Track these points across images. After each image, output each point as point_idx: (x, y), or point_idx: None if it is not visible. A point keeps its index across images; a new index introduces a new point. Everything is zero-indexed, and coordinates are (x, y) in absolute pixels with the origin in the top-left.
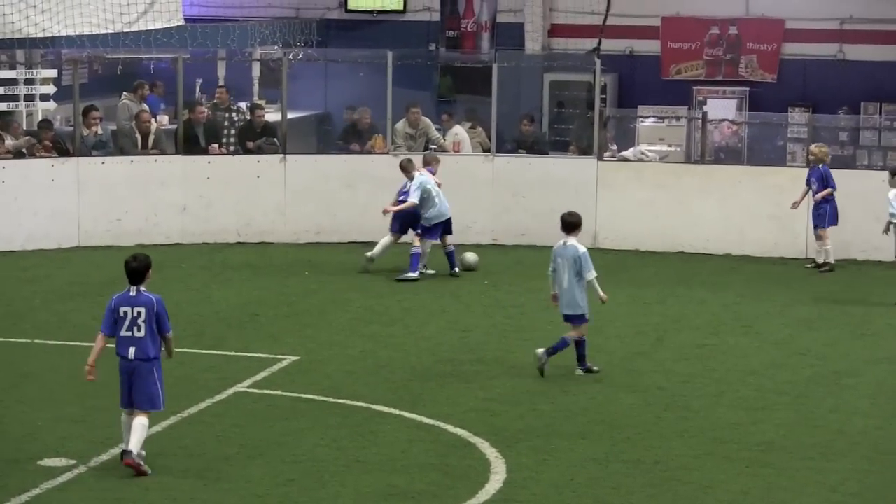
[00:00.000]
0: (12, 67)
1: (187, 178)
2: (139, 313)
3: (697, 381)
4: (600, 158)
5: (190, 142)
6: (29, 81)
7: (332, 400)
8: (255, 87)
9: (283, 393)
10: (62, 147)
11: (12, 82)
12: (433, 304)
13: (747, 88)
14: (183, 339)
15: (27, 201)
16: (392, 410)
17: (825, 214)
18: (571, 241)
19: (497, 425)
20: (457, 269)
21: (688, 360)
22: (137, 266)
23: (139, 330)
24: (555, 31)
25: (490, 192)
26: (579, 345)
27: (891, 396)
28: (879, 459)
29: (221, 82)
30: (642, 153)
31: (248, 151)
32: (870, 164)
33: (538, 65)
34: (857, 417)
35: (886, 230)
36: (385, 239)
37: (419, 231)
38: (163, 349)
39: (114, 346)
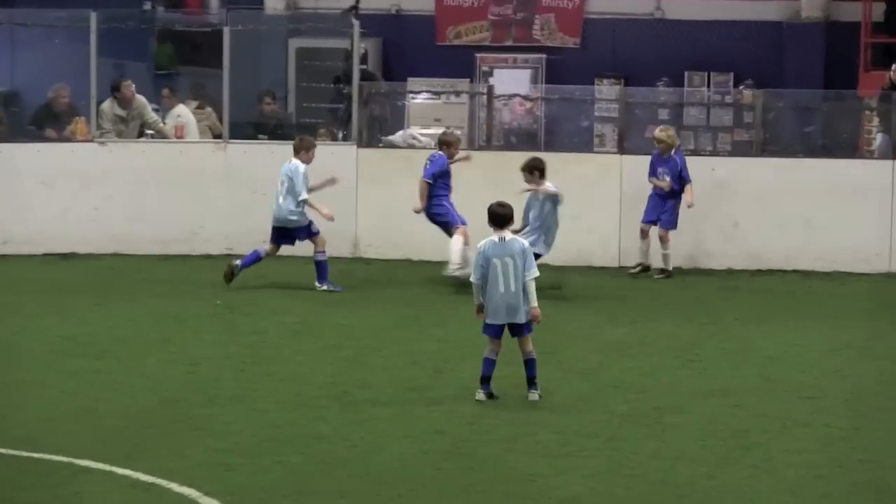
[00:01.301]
0: None
1: None
2: None
3: (485, 421)
4: (361, 145)
5: None
6: None
7: (25, 454)
8: None
9: None
10: None
11: None
12: (152, 331)
13: (543, 55)
14: None
15: None
16: (100, 465)
17: (675, 214)
18: (508, 234)
19: (234, 482)
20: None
21: (471, 395)
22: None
23: None
24: None
25: (223, 189)
26: (532, 364)
27: (724, 438)
28: None
29: None
30: (413, 138)
31: None
32: (696, 149)
33: (281, 28)
34: (682, 464)
35: None
36: (454, 242)
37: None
38: None
39: None
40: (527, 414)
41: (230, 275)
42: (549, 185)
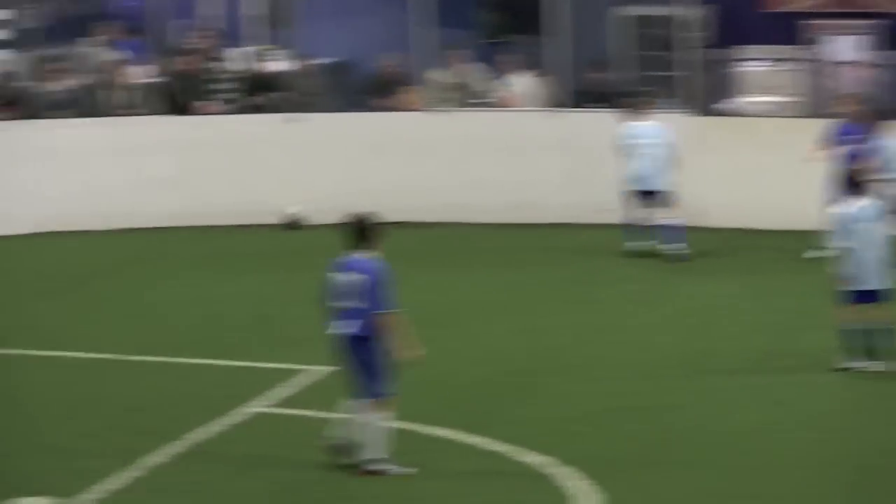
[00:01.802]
0: None
1: (174, 145)
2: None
3: (839, 393)
4: (698, 113)
5: (174, 99)
6: None
7: None
8: (250, 30)
9: (313, 413)
10: (18, 105)
11: None
12: (493, 300)
13: (875, 21)
14: (179, 347)
15: None
16: (448, 433)
17: None
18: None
19: (581, 451)
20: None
21: (819, 365)
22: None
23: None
24: None
25: (556, 158)
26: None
27: None
28: None
29: (204, 22)
30: (749, 105)
31: (246, 110)
32: None
33: None
34: None
35: None
36: None
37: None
38: None
39: None
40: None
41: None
42: None
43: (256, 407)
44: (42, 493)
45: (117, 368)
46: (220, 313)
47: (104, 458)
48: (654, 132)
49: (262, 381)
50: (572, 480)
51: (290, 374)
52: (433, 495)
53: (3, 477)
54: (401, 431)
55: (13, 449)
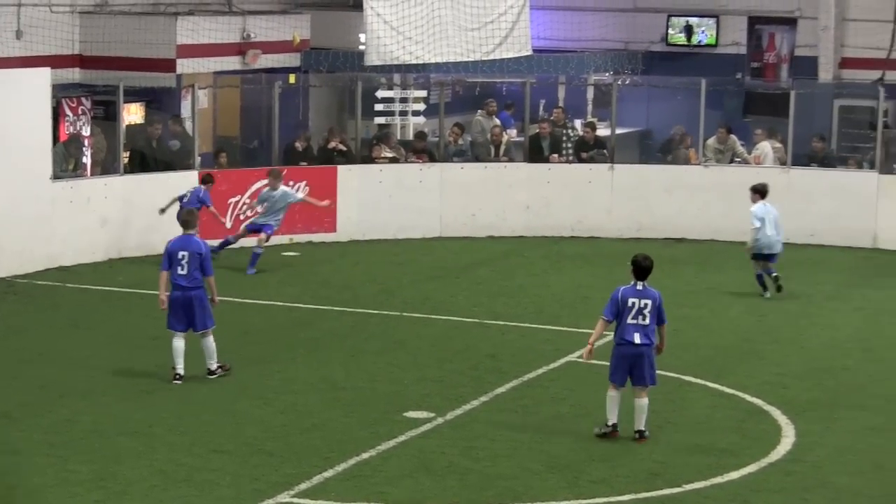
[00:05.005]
0: (390, 88)
1: (531, 182)
2: (646, 304)
3: None
4: (882, 172)
5: (534, 152)
6: (403, 100)
7: None
8: (589, 108)
9: (608, 363)
10: (430, 154)
11: (390, 101)
12: (732, 290)
13: None
14: (524, 316)
15: (399, 199)
16: (698, 381)
17: None
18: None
19: (787, 396)
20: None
21: None
22: (648, 265)
23: (644, 319)
24: (845, 63)
25: (785, 200)
26: None
27: None
28: None
29: (560, 103)
30: None
31: (581, 161)
32: None
33: (829, 92)
34: None
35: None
36: None
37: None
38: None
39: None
40: None
41: None
42: None
43: (570, 357)
44: (424, 409)
45: (480, 328)
46: (554, 293)
47: (467, 388)
48: None
49: (577, 341)
50: (780, 415)
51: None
52: (689, 420)
53: (396, 397)
54: (666, 378)
55: (404, 377)
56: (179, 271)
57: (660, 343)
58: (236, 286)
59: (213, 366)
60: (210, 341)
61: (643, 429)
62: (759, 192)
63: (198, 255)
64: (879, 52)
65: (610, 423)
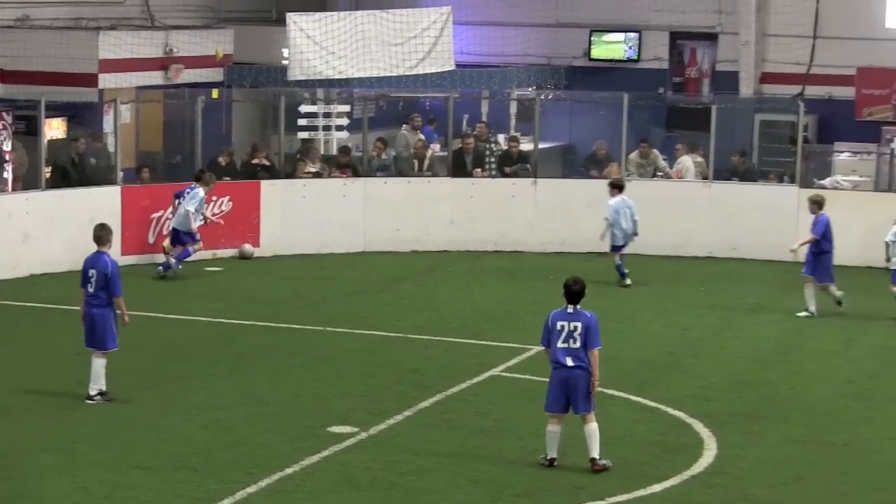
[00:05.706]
0: (313, 103)
1: (455, 197)
2: (575, 328)
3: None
4: (802, 186)
5: (458, 166)
6: (326, 115)
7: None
8: (512, 122)
9: (531, 377)
10: (354, 169)
11: (313, 116)
12: (655, 305)
13: None
14: (448, 330)
15: (323, 214)
16: (620, 393)
17: None
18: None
19: (709, 409)
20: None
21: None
22: (578, 289)
23: (575, 342)
24: (765, 78)
25: (706, 214)
26: None
27: None
28: None
29: (484, 118)
30: (837, 182)
31: (505, 175)
32: None
33: (750, 106)
34: None
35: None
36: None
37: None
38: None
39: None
40: None
41: None
42: None
43: (494, 371)
44: (347, 424)
45: (404, 343)
46: (478, 308)
47: (391, 402)
48: None
49: (501, 355)
50: (702, 428)
51: (518, 351)
52: (611, 433)
53: (320, 412)
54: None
55: (328, 392)
56: (89, 289)
57: (591, 369)
58: (160, 302)
59: (93, 391)
60: (100, 364)
61: (596, 456)
62: (617, 186)
63: (104, 275)
64: (799, 66)
65: (549, 458)
